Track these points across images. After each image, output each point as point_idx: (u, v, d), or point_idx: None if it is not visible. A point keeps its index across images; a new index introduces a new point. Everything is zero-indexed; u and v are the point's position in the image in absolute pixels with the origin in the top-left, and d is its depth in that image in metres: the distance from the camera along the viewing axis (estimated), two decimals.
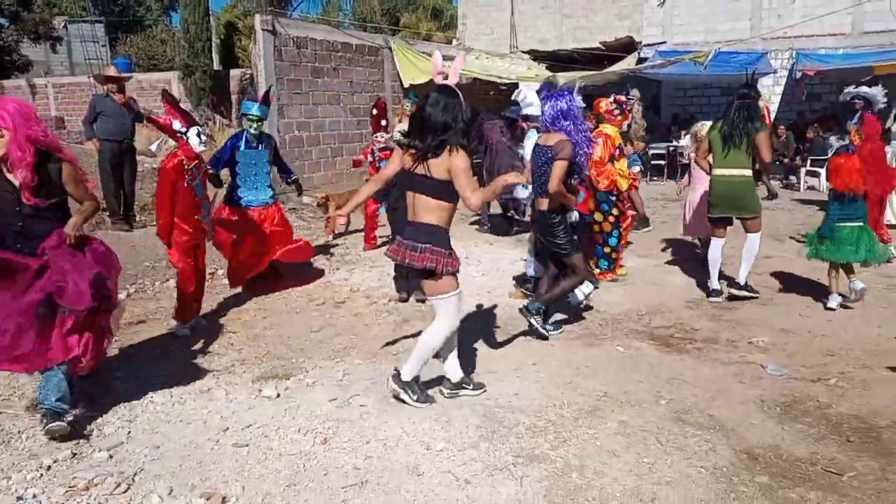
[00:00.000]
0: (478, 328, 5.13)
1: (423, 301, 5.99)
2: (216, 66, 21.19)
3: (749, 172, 5.70)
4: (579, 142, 4.71)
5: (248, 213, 5.96)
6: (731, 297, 5.80)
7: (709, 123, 6.49)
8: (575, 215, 5.03)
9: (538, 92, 6.51)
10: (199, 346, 4.82)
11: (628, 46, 15.87)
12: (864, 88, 8.46)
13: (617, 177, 6.08)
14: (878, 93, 8.23)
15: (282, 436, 3.47)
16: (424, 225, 3.63)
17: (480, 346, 4.80)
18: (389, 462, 3.22)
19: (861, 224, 5.43)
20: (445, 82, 3.69)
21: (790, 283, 6.28)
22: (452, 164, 3.52)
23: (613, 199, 6.24)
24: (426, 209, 3.62)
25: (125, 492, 2.97)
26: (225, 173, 6.12)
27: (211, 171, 5.57)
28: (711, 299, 5.80)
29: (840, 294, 5.52)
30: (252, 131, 5.97)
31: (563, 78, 13.07)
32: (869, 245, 5.39)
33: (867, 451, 3.27)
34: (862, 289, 5.46)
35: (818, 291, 5.88)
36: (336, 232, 8.70)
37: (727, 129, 5.62)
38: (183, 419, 3.66)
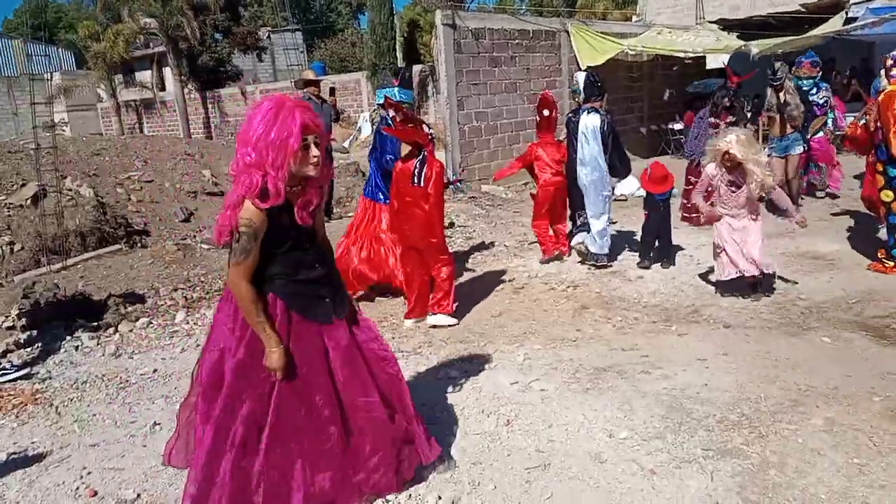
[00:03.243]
0: (663, 318, 4.96)
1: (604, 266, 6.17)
2: (400, 62, 22.19)
3: None
4: None
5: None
6: None
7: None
8: None
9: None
10: (385, 330, 5.10)
11: (834, 6, 14.26)
12: None
13: None
14: None
15: (466, 416, 3.60)
16: None
17: (667, 335, 4.63)
18: (572, 447, 3.22)
19: None
20: None
21: None
22: None
23: None
24: None
25: None
26: (365, 166, 5.50)
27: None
28: None
29: None
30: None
31: (756, 46, 12.08)
32: None
33: None
34: None
35: None
36: None
37: None
38: None
